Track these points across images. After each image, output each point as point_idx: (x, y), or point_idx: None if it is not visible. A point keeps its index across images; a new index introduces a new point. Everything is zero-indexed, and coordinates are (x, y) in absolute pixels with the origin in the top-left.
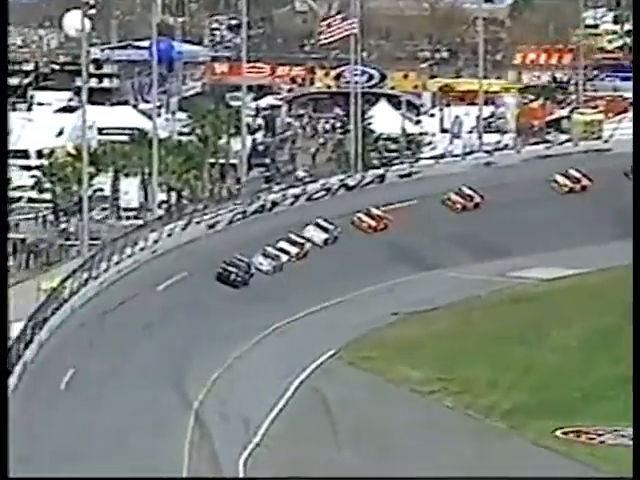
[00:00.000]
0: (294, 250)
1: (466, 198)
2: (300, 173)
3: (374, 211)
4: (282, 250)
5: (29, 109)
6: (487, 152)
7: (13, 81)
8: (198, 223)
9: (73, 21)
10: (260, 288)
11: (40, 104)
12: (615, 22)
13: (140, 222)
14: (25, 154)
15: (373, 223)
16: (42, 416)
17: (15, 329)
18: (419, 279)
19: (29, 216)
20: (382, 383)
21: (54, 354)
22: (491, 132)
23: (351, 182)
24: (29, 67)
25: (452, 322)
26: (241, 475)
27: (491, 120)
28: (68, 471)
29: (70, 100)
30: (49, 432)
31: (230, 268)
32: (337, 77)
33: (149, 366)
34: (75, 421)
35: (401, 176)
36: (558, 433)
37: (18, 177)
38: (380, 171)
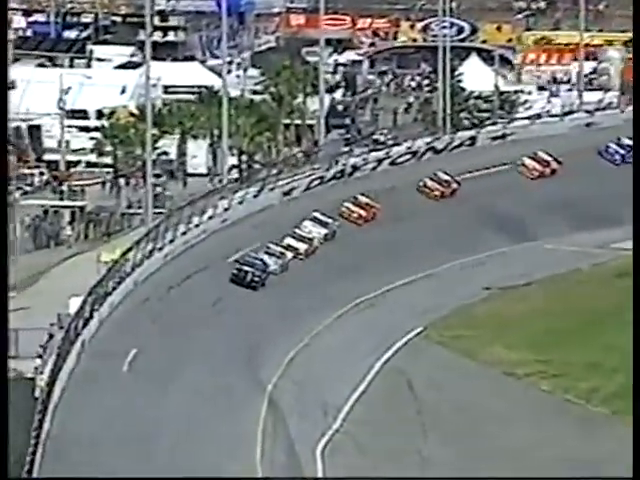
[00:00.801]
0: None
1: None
2: (379, 136)
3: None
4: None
5: (88, 65)
6: (588, 112)
7: (70, 35)
8: (272, 190)
9: None
10: (343, 252)
11: (100, 60)
12: None
13: (209, 188)
14: (84, 114)
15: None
16: (103, 401)
17: (73, 305)
18: (513, 251)
19: (88, 182)
20: (473, 365)
21: (115, 332)
22: (593, 90)
23: (439, 145)
24: (88, 19)
25: (549, 298)
26: (319, 464)
27: (593, 77)
28: (134, 459)
29: (132, 55)
30: (111, 418)
31: (245, 268)
32: (424, 30)
33: (218, 346)
34: (139, 406)
35: (494, 138)
36: None
37: (76, 139)
38: (471, 133)
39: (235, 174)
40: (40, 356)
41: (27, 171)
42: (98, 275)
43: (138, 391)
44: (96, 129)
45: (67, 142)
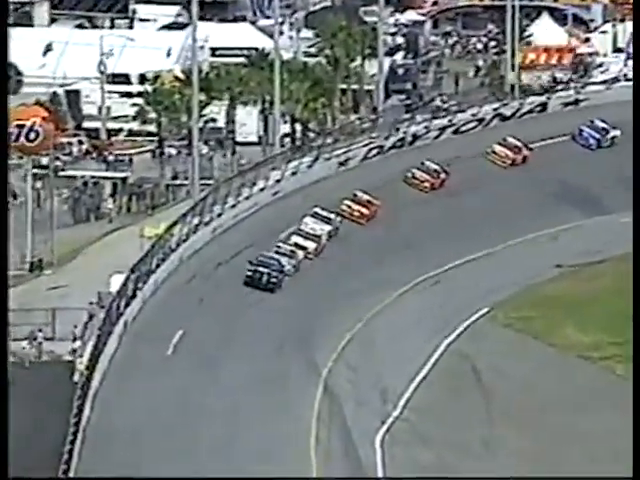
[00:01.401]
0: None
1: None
2: (440, 103)
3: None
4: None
5: (130, 26)
6: None
7: None
8: (327, 160)
9: None
10: (404, 229)
11: (143, 20)
12: None
13: (259, 159)
14: (126, 79)
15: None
16: (147, 387)
17: (115, 283)
18: (587, 225)
19: (130, 152)
20: (543, 348)
21: (160, 313)
22: None
23: (507, 111)
24: None
25: (625, 276)
26: (378, 454)
27: None
28: (179, 450)
29: (178, 15)
30: (155, 406)
31: (260, 269)
32: None
33: (269, 327)
34: (185, 393)
35: (566, 104)
36: None
37: (118, 106)
38: (541, 98)
39: (288, 143)
40: (79, 338)
41: (65, 140)
42: (141, 251)
43: (184, 376)
44: (139, 95)
45: (108, 109)
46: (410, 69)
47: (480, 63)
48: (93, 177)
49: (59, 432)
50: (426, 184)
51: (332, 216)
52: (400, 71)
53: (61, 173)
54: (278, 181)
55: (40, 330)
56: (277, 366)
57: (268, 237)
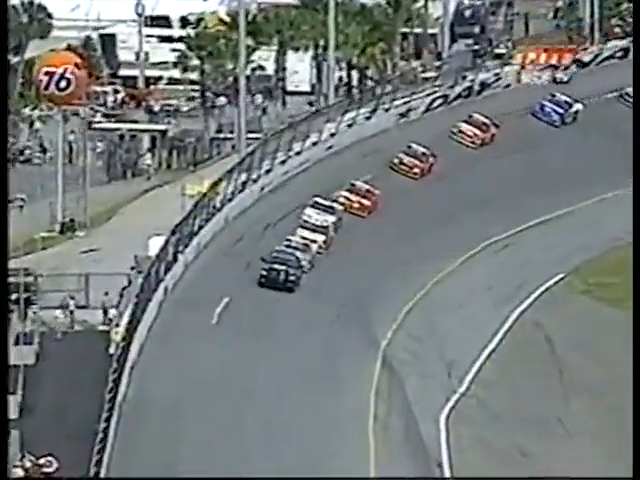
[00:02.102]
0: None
1: None
2: (502, 50)
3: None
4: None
5: None
6: None
7: None
8: (386, 111)
9: None
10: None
11: None
12: None
13: (312, 109)
14: (166, 22)
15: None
16: (189, 359)
17: (154, 246)
18: None
19: (171, 102)
20: (624, 317)
21: (203, 278)
22: None
23: (585, 57)
24: None
25: None
26: (442, 434)
27: None
28: (223, 427)
29: None
30: (198, 380)
31: (276, 266)
32: None
33: (321, 294)
34: (230, 365)
35: None
36: None
37: (157, 51)
38: (623, 43)
39: (343, 92)
40: (115, 306)
41: (99, 89)
42: (183, 211)
43: (229, 348)
44: (180, 39)
45: (146, 54)
46: (478, 11)
47: (559, 4)
48: (130, 130)
49: (93, 408)
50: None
51: (335, 205)
52: (467, 13)
53: (95, 125)
54: (332, 135)
55: (72, 297)
56: (332, 337)
57: (321, 196)
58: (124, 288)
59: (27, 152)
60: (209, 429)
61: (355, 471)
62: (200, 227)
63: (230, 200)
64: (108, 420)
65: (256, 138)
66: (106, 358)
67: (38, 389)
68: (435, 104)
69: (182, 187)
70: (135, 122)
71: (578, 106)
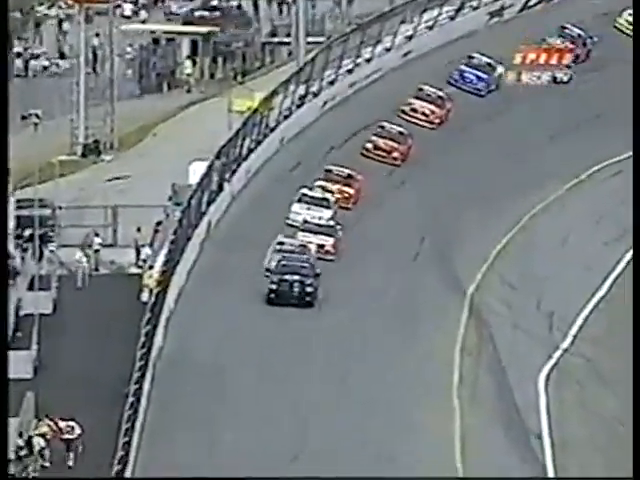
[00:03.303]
0: None
1: None
2: None
3: None
4: None
5: None
6: None
7: None
8: (474, 9)
9: None
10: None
11: None
12: None
13: (384, 8)
14: None
15: None
16: (235, 307)
17: (194, 173)
18: None
19: (213, 3)
20: None
21: (254, 212)
22: None
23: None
24: None
25: None
26: (542, 398)
27: None
28: (277, 387)
29: None
30: (247, 332)
31: (287, 277)
32: None
33: (396, 230)
34: (286, 315)
35: None
36: None
37: None
38: None
39: None
40: (148, 245)
41: None
42: (229, 131)
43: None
44: None
45: None
46: None
47: None
48: (166, 32)
49: (122, 367)
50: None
51: (328, 196)
52: None
53: (124, 27)
54: (409, 38)
55: (97, 234)
56: (408, 282)
57: (395, 113)
58: (159, 223)
59: (42, 60)
60: (259, 391)
61: (437, 444)
62: (250, 150)
63: (286, 118)
64: (140, 381)
65: (317, 42)
66: (138, 307)
67: (56, 343)
68: (533, 1)
69: (228, 102)
70: (172, 23)
71: (500, 68)
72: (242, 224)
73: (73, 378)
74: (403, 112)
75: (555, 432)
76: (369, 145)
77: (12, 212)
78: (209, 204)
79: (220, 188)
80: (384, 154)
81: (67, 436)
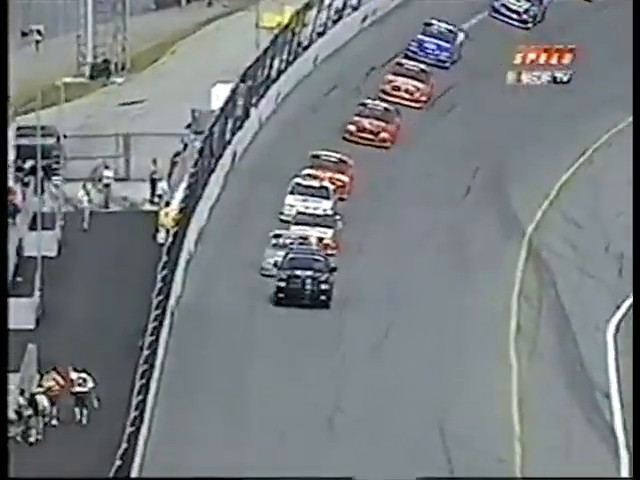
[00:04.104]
0: None
1: None
2: None
3: None
4: None
5: None
6: None
7: None
8: None
9: None
10: None
11: None
12: None
13: None
14: None
15: None
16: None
17: (217, 96)
18: None
19: None
20: None
21: (283, 140)
22: None
23: None
24: None
25: None
26: (610, 349)
27: None
28: (323, 337)
29: None
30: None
31: (298, 272)
32: None
33: (446, 161)
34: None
35: None
36: None
37: None
38: None
39: None
40: (165, 178)
41: None
42: (256, 50)
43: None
44: None
45: None
46: None
47: None
48: None
49: (136, 316)
50: None
51: (327, 185)
52: None
53: None
54: None
55: (107, 167)
56: (459, 220)
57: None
58: (177, 154)
59: None
60: (288, 342)
61: (492, 400)
62: (280, 72)
63: (320, 35)
64: (156, 332)
65: None
66: (153, 248)
67: (61, 290)
68: None
69: (256, 16)
70: None
71: (461, 35)
72: (271, 155)
73: (80, 329)
74: (384, 92)
75: (625, 391)
76: (351, 127)
77: (12, 141)
78: (234, 133)
79: (246, 114)
80: (370, 136)
81: (79, 389)
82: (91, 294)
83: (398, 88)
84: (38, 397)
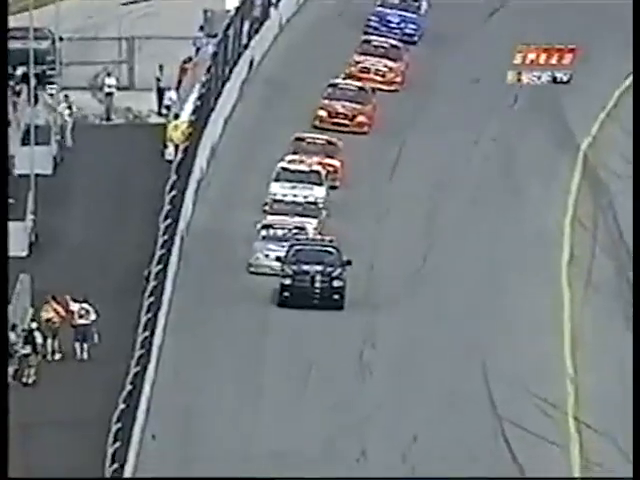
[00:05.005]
0: None
1: None
2: None
3: None
4: None
5: None
6: None
7: None
8: None
9: None
10: None
11: None
12: None
13: None
14: None
15: None
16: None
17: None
18: None
19: None
20: None
21: (307, 46)
22: None
23: None
24: None
25: None
26: None
27: None
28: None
29: None
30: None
31: (306, 267)
32: None
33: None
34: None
35: None
36: None
37: None
38: None
39: None
40: (174, 88)
41: None
42: None
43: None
44: None
45: None
46: None
47: None
48: None
49: (142, 244)
50: None
51: (318, 169)
52: None
53: None
54: None
55: (109, 74)
56: (506, 131)
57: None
58: (187, 60)
59: None
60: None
61: (540, 340)
62: None
63: None
64: (164, 260)
65: None
66: (160, 166)
67: (57, 213)
68: None
69: None
70: None
71: (425, 3)
72: (292, 62)
73: (79, 257)
74: (351, 76)
75: None
76: (322, 113)
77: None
78: (250, 36)
79: (265, 15)
80: (345, 121)
81: (80, 321)
82: (91, 217)
83: (367, 70)
84: (35, 333)
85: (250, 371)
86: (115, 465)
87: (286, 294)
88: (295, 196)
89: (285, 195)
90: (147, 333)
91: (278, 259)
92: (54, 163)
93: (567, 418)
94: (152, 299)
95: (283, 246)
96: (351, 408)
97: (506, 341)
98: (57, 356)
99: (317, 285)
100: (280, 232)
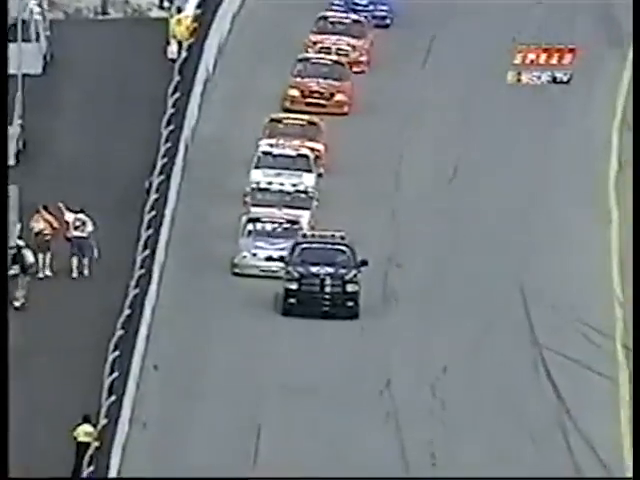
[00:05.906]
0: None
1: None
2: None
3: None
4: None
5: None
6: None
7: None
8: None
9: None
10: None
11: None
12: None
13: None
14: None
15: None
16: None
17: None
18: None
19: None
20: None
21: None
22: None
23: None
24: None
25: None
26: None
27: None
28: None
29: None
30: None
31: (315, 269)
32: None
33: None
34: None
35: None
36: None
37: None
38: None
39: None
40: None
41: None
42: None
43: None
44: None
45: None
46: None
47: None
48: None
49: (142, 152)
50: None
51: (306, 153)
52: None
53: None
54: None
55: None
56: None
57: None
58: None
59: None
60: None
61: (586, 262)
62: None
63: None
64: (167, 171)
65: None
66: (162, 65)
67: (48, 117)
68: None
69: None
70: None
71: None
72: None
73: (71, 166)
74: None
75: None
76: (294, 92)
77: None
78: None
79: None
80: (322, 101)
81: (76, 233)
82: (85, 123)
83: (328, 50)
84: (24, 251)
85: (264, 294)
86: (112, 397)
87: (291, 300)
88: (282, 184)
89: (270, 183)
90: (148, 251)
91: (269, 259)
92: (44, 62)
93: (615, 346)
94: (153, 213)
95: (274, 243)
96: (376, 337)
97: (547, 262)
98: (47, 271)
99: (327, 290)
100: (269, 227)
